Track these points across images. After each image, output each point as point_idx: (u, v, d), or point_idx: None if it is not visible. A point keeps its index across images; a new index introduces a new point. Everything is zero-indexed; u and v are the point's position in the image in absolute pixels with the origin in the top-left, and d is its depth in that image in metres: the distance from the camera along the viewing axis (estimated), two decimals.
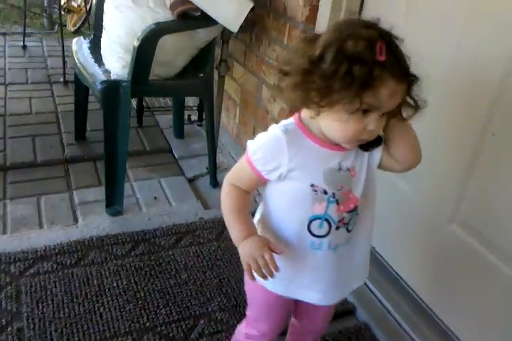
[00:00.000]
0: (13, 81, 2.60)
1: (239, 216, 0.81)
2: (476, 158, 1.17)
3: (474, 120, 1.15)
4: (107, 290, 1.37)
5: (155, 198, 1.86)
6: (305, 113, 0.76)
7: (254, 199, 1.27)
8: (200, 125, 2.40)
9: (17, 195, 1.76)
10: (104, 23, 1.76)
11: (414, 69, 0.72)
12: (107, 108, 1.63)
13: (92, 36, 1.95)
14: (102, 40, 1.76)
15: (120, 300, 1.34)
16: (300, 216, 0.81)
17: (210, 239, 1.64)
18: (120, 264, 1.47)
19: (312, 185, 0.78)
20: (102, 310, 1.30)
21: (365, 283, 1.49)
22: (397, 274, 1.48)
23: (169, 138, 2.30)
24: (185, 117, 2.39)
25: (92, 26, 2.00)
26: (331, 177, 0.79)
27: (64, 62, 2.66)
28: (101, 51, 1.77)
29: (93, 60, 1.78)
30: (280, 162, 0.77)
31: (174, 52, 1.72)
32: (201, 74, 1.80)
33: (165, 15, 1.64)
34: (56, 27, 3.46)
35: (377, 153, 0.82)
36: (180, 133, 2.30)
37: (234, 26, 1.63)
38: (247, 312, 1.03)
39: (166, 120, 2.41)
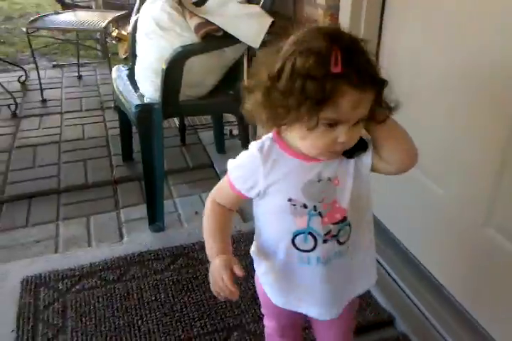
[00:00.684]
0: (69, 109, 2.80)
1: (216, 233, 0.82)
2: (509, 158, 1.11)
3: (505, 120, 1.09)
4: (145, 303, 1.43)
5: (196, 213, 1.92)
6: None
7: None
8: (240, 139, 2.45)
9: (69, 216, 1.89)
10: (136, 51, 1.86)
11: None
12: (142, 130, 1.72)
13: (131, 63, 2.07)
14: (136, 66, 1.87)
15: (158, 313, 1.40)
16: (284, 231, 0.81)
17: (247, 252, 1.66)
18: (159, 278, 1.53)
19: (290, 200, 0.77)
20: (140, 323, 1.36)
21: (404, 292, 1.44)
22: (438, 281, 1.42)
23: (211, 153, 2.36)
24: (228, 132, 2.46)
25: (130, 54, 2.13)
26: (310, 190, 0.77)
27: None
28: (135, 77, 1.87)
29: (130, 86, 1.89)
30: (256, 180, 0.78)
31: (203, 73, 1.78)
32: (231, 92, 1.85)
33: (191, 38, 1.71)
34: (110, 55, 3.69)
35: (367, 158, 0.78)
36: (221, 148, 2.36)
37: (256, 42, 1.67)
38: None
39: (208, 136, 2.48)
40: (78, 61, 3.33)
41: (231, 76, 1.86)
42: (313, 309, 0.89)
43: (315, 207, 0.78)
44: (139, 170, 2.18)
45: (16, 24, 4.52)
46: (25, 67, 3.24)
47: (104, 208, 1.95)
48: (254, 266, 0.95)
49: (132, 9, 3.21)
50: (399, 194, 1.55)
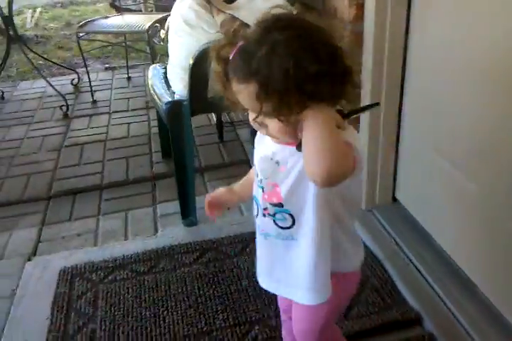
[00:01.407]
0: (116, 109, 2.92)
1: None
2: None
3: None
4: (172, 295, 1.47)
5: (228, 208, 1.93)
6: None
7: None
8: None
9: (109, 211, 1.98)
10: (168, 49, 1.91)
11: None
12: (172, 127, 1.76)
13: (167, 62, 2.12)
14: (168, 64, 1.92)
15: (183, 305, 1.43)
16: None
17: None
18: (187, 271, 1.56)
19: (254, 165, 0.89)
20: (165, 314, 1.40)
21: (433, 289, 1.38)
22: (469, 279, 1.34)
23: (248, 150, 2.38)
24: None
25: (166, 53, 2.18)
26: (262, 164, 0.86)
27: None
28: (167, 75, 1.92)
29: (164, 84, 1.94)
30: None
31: None
32: None
33: (218, 34, 1.73)
34: (158, 57, 3.80)
35: None
36: None
37: None
38: None
39: (246, 133, 2.50)
40: (127, 63, 3.46)
41: None
42: (261, 276, 0.97)
43: (261, 180, 0.86)
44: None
45: (74, 30, 4.76)
46: (80, 70, 3.41)
47: (142, 203, 2.02)
48: None
49: None
50: (428, 186, 1.48)
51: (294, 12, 1.70)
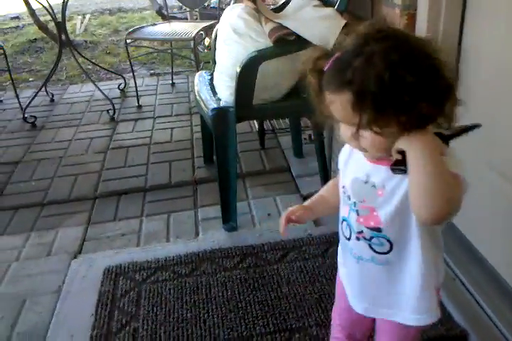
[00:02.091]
0: (160, 114, 2.99)
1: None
2: None
3: None
4: (212, 298, 1.48)
5: (268, 215, 1.95)
6: None
7: None
8: None
9: (151, 213, 2.02)
10: (215, 57, 1.95)
11: None
12: (217, 133, 1.79)
13: (213, 70, 2.16)
14: (214, 72, 1.95)
15: (223, 308, 1.44)
16: (340, 213, 0.89)
17: (316, 255, 1.65)
18: (227, 276, 1.58)
19: (343, 187, 0.85)
20: (206, 316, 1.42)
21: (480, 306, 1.34)
22: None
23: (289, 157, 2.38)
24: (307, 137, 2.46)
25: (212, 60, 2.22)
26: (355, 187, 0.82)
27: None
28: (213, 82, 1.95)
29: (210, 91, 1.97)
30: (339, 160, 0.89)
31: (277, 77, 1.81)
32: (305, 95, 1.85)
33: (266, 43, 1.75)
34: (202, 64, 3.88)
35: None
36: (299, 153, 2.37)
37: (328, 45, 1.65)
38: None
39: (287, 141, 2.50)
40: (172, 69, 3.54)
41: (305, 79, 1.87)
42: (350, 298, 0.94)
43: (355, 203, 0.82)
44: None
45: (121, 36, 4.92)
46: (126, 75, 3.52)
47: (183, 206, 2.06)
48: None
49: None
50: (478, 202, 1.44)
51: (344, 22, 1.71)
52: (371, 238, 0.82)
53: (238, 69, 1.69)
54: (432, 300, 0.86)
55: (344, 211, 0.86)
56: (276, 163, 2.35)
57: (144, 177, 2.29)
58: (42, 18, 4.46)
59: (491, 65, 1.34)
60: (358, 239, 0.84)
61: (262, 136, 2.51)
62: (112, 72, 3.54)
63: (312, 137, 2.50)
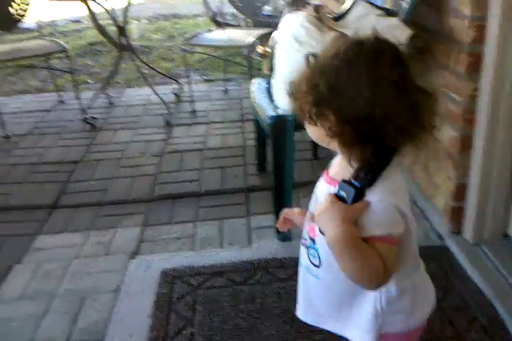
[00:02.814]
0: (214, 120, 3.03)
1: None
2: None
3: None
4: (267, 309, 1.48)
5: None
6: None
7: None
8: None
9: (205, 218, 2.04)
10: (273, 64, 1.96)
11: None
12: (274, 141, 1.80)
13: (270, 77, 2.18)
14: (273, 79, 1.97)
15: (278, 320, 1.44)
16: None
17: None
18: (282, 286, 1.57)
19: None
20: (261, 327, 1.42)
21: None
22: None
23: None
24: None
25: (269, 68, 2.24)
26: (312, 200, 0.87)
27: None
28: (271, 89, 1.97)
29: (267, 98, 1.99)
30: None
31: None
32: None
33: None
34: (254, 72, 3.91)
35: None
36: None
37: None
38: None
39: None
40: (225, 76, 3.59)
41: None
42: (298, 306, 0.96)
43: (309, 212, 0.86)
44: (271, 179, 2.29)
45: (175, 42, 5.04)
46: (180, 80, 3.59)
47: (236, 213, 2.07)
48: None
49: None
50: None
51: (410, 32, 1.68)
52: (309, 247, 0.85)
53: None
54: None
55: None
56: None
57: (197, 182, 2.32)
58: (101, 23, 4.62)
59: None
60: (302, 244, 0.87)
61: (315, 146, 2.50)
62: (168, 77, 3.62)
63: None
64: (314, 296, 0.90)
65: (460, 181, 1.64)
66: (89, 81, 3.95)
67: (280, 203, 1.85)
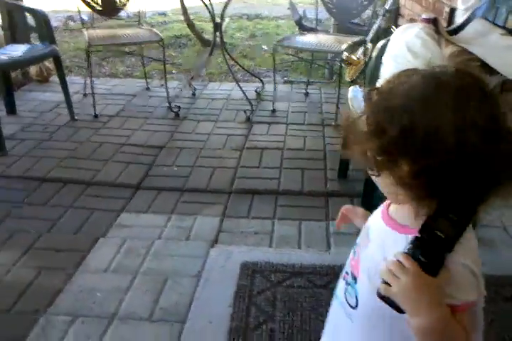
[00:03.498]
0: (293, 121, 3.02)
1: None
2: None
3: None
4: None
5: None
6: None
7: None
8: None
9: (283, 217, 2.04)
10: (380, 73, 1.93)
11: None
12: None
13: (370, 85, 2.15)
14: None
15: None
16: None
17: None
18: None
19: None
20: None
21: None
22: None
23: None
24: None
25: (369, 77, 2.21)
26: (363, 232, 0.79)
27: (337, 108, 2.98)
28: None
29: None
30: None
31: None
32: None
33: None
34: (334, 77, 3.89)
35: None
36: None
37: None
38: None
39: None
40: (308, 79, 3.58)
41: None
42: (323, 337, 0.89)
43: (357, 244, 0.80)
44: (353, 187, 2.25)
45: (257, 41, 5.09)
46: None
47: (315, 216, 2.05)
48: None
49: (366, 36, 3.35)
50: None
51: None
52: (348, 284, 0.77)
53: None
54: None
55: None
56: None
57: (277, 180, 2.32)
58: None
59: None
60: (343, 278, 0.80)
61: None
62: (253, 74, 3.66)
63: None
64: (341, 333, 0.83)
65: None
66: (173, 71, 4.05)
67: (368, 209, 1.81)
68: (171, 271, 1.65)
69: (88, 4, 3.24)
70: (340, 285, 0.80)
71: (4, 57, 2.73)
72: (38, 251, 1.76)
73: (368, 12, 3.62)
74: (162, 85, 3.31)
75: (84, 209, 2.03)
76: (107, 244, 1.79)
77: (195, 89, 3.42)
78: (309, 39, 3.25)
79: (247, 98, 3.12)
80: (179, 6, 4.71)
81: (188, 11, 4.75)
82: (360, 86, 2.23)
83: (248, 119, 3.00)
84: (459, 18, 2.13)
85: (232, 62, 3.44)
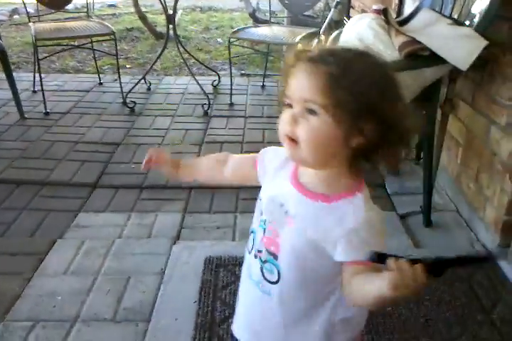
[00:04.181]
0: (252, 114, 3.02)
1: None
2: None
3: None
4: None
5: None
6: None
7: None
8: (417, 163, 2.39)
9: (245, 210, 2.04)
10: None
11: None
12: None
13: None
14: None
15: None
16: (252, 222, 0.84)
17: None
18: None
19: (260, 199, 0.81)
20: None
21: None
22: None
23: (385, 174, 2.34)
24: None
25: None
26: (270, 205, 0.78)
27: None
28: None
29: None
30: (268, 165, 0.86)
31: None
32: (424, 112, 1.82)
33: (393, 56, 1.73)
34: None
35: (338, 256, 0.71)
36: (395, 171, 2.33)
37: (464, 65, 1.62)
38: None
39: None
40: (265, 72, 3.58)
41: (425, 96, 1.84)
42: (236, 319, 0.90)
43: (264, 221, 0.78)
44: None
45: (212, 34, 5.04)
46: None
47: None
48: None
49: (319, 28, 3.38)
50: None
51: (486, 43, 1.66)
52: (265, 261, 0.78)
53: None
54: None
55: (255, 223, 0.82)
56: (371, 178, 2.31)
57: None
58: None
59: None
60: (255, 256, 0.80)
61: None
62: (209, 68, 3.62)
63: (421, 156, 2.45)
64: (257, 312, 0.85)
65: None
66: (127, 66, 3.96)
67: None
68: (133, 270, 1.62)
69: None
70: (254, 264, 0.81)
71: None
72: None
73: (321, 4, 3.65)
74: (116, 80, 3.24)
75: (40, 211, 1.96)
76: (65, 246, 1.74)
77: (150, 83, 3.36)
78: (264, 31, 3.25)
79: (204, 92, 3.09)
80: None
81: (139, 3, 4.64)
82: None
83: (206, 113, 2.98)
84: (408, 9, 2.18)
85: (186, 56, 3.39)
